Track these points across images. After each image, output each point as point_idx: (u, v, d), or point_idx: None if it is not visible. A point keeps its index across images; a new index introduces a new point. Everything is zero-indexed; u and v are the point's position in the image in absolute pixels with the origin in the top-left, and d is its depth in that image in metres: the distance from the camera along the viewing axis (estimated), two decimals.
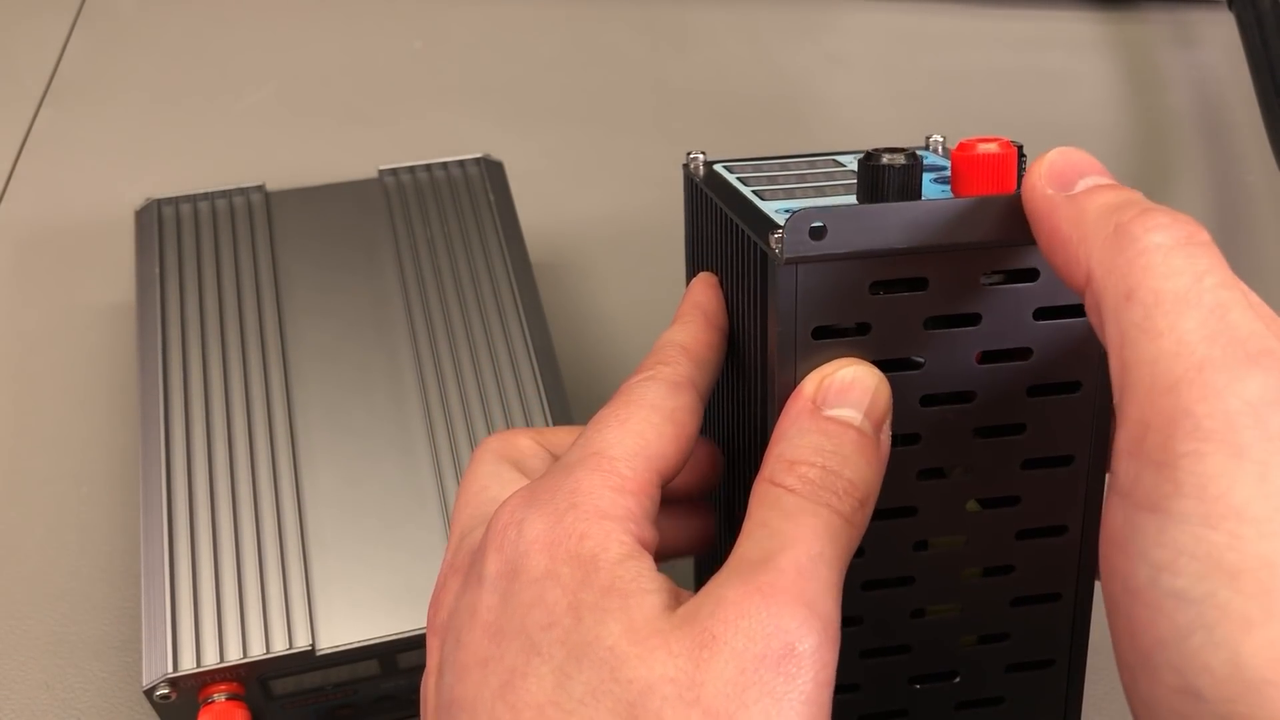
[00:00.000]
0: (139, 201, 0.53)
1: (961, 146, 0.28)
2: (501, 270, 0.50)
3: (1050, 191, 0.25)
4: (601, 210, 0.65)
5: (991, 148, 0.27)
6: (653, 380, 0.29)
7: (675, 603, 0.25)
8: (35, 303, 0.59)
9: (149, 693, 0.37)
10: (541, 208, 0.59)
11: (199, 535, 0.41)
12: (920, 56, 0.77)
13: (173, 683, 0.37)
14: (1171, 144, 0.72)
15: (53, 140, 0.68)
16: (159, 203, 0.52)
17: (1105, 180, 0.26)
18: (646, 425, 0.28)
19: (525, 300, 0.49)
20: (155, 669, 0.37)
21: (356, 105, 0.71)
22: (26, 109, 0.69)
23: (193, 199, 0.52)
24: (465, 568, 0.28)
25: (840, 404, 0.27)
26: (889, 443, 0.27)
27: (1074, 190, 0.25)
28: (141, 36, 0.74)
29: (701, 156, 0.35)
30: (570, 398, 0.47)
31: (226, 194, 0.53)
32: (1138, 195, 0.25)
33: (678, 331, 0.31)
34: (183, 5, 0.76)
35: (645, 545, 0.27)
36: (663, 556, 0.31)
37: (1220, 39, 0.78)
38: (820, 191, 0.31)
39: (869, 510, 0.27)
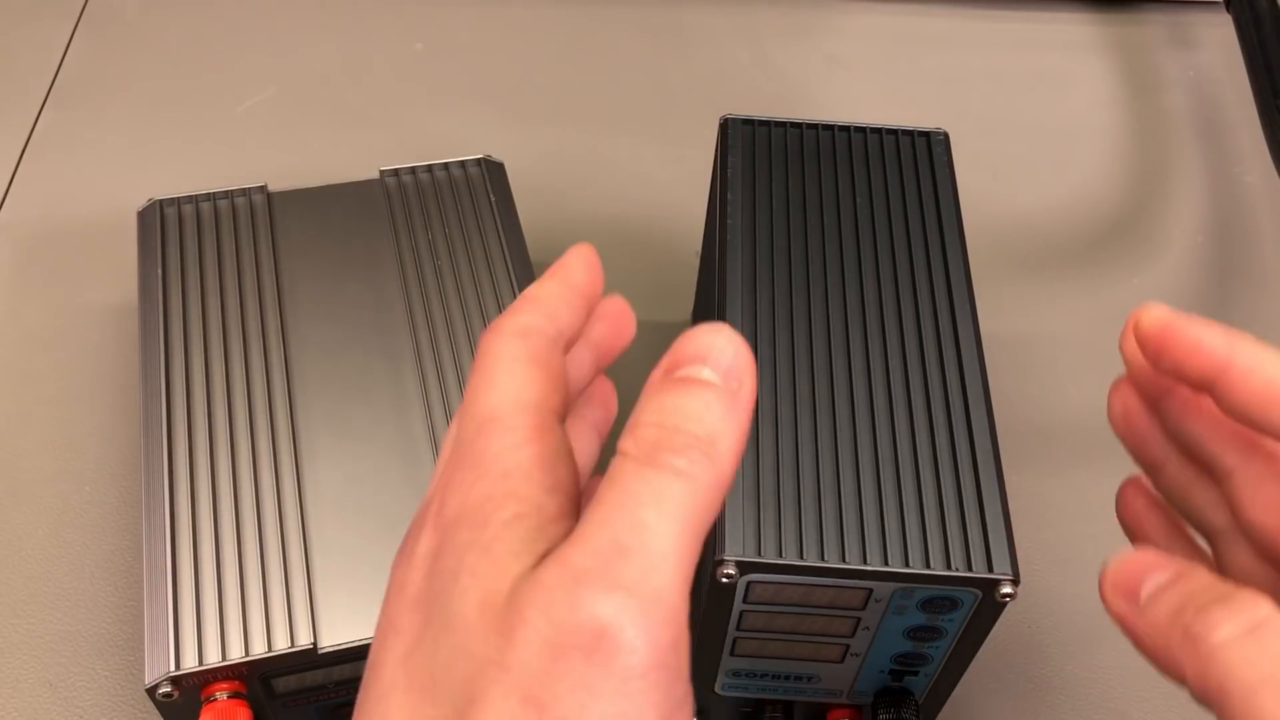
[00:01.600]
0: (141, 202, 0.53)
1: None
2: (502, 270, 0.50)
3: (1124, 606, 0.28)
4: (601, 210, 0.65)
5: None
6: (498, 334, 0.29)
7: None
8: (38, 303, 0.59)
9: (151, 691, 0.38)
10: (541, 208, 0.59)
11: (201, 534, 0.41)
12: (920, 57, 0.77)
13: (175, 681, 0.37)
14: (1169, 145, 0.72)
15: (55, 141, 0.68)
16: (161, 203, 0.52)
17: (1165, 574, 0.28)
18: (510, 377, 0.27)
19: None
20: (158, 667, 0.38)
21: (358, 106, 0.71)
22: (29, 110, 0.69)
23: (195, 199, 0.53)
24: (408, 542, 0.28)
25: (689, 364, 0.26)
26: (750, 395, 0.26)
27: (1142, 597, 0.28)
28: (143, 38, 0.75)
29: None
30: None
31: (228, 194, 0.53)
32: (1197, 583, 0.27)
33: (533, 285, 0.31)
34: (185, 6, 0.77)
35: (559, 488, 0.26)
36: None
37: (1218, 40, 0.78)
38: None
39: (724, 462, 0.25)
